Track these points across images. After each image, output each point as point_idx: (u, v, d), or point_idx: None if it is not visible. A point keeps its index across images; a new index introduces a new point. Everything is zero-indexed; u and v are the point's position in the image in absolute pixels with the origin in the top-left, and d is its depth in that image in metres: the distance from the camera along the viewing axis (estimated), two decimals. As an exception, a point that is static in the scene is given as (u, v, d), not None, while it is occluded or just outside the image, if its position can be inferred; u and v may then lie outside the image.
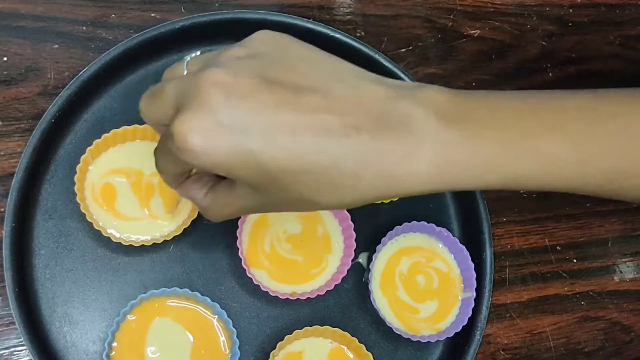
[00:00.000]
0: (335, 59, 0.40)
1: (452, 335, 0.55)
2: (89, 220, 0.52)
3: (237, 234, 0.54)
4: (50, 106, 0.54)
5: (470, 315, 0.56)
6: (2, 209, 0.53)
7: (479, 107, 0.38)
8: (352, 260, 0.56)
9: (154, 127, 0.40)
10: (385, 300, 0.56)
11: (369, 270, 0.56)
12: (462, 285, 0.58)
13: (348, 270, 0.56)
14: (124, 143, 0.55)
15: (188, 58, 0.40)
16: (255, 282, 0.53)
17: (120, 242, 0.53)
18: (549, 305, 0.61)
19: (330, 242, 0.57)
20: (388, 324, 0.54)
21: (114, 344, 0.51)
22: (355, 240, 0.56)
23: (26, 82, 0.57)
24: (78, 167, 0.53)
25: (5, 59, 0.57)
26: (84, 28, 0.59)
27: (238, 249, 0.54)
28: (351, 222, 0.56)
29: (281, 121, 0.35)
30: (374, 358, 0.54)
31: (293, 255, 0.56)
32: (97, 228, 0.52)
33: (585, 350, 0.61)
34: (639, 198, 0.41)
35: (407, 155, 0.36)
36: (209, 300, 0.53)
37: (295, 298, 0.54)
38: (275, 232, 0.56)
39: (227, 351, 0.53)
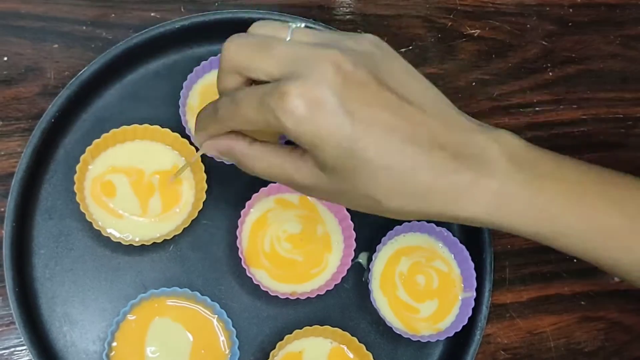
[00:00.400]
0: (428, 82, 0.43)
1: (452, 334, 0.55)
2: (89, 219, 0.52)
3: (237, 234, 0.54)
4: (50, 106, 0.54)
5: (470, 315, 0.56)
6: (2, 209, 0.53)
7: (546, 160, 0.42)
8: (352, 260, 0.56)
9: (233, 70, 0.40)
10: (385, 300, 0.56)
11: (369, 270, 0.56)
12: (462, 285, 0.57)
13: (348, 270, 0.55)
14: (124, 143, 0.55)
15: (293, 26, 0.41)
16: (255, 282, 0.53)
17: (120, 242, 0.53)
18: (549, 305, 0.61)
19: (330, 241, 0.57)
20: (388, 324, 0.54)
21: (114, 344, 0.51)
22: (355, 240, 0.56)
23: (26, 81, 0.57)
24: (78, 167, 0.53)
25: (5, 58, 0.57)
26: (84, 28, 0.59)
27: (238, 248, 0.54)
28: (351, 222, 0.56)
29: (383, 119, 0.38)
30: (374, 358, 0.54)
31: (293, 255, 0.56)
32: (96, 228, 0.52)
33: (586, 350, 0.61)
34: None
35: (475, 182, 0.40)
36: (208, 299, 0.53)
37: (295, 298, 0.54)
38: (275, 232, 0.56)
39: (227, 351, 0.53)
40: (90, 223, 0.52)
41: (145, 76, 0.58)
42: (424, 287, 0.57)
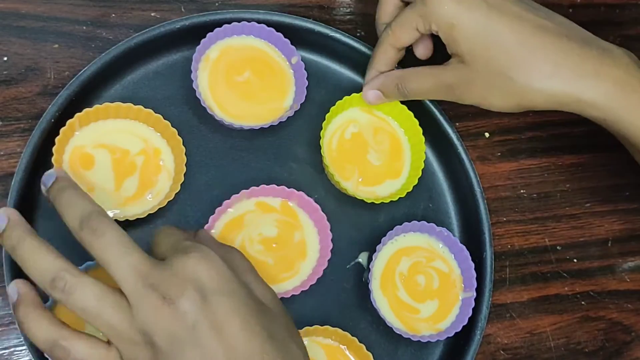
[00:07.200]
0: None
1: (452, 335, 0.55)
2: None
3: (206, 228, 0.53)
4: (50, 106, 0.54)
5: (470, 315, 0.56)
6: (2, 209, 0.53)
7: None
8: (352, 262, 0.56)
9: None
10: (385, 300, 0.56)
11: (369, 270, 0.56)
12: (463, 285, 0.58)
13: (348, 270, 0.55)
14: (116, 119, 0.55)
15: None
16: None
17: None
18: (549, 305, 0.61)
19: (306, 249, 0.56)
20: (388, 324, 0.54)
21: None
22: (332, 250, 0.55)
23: (26, 81, 0.57)
24: (62, 130, 0.52)
25: (5, 58, 0.57)
26: (84, 28, 0.59)
27: None
28: (330, 232, 0.55)
29: (515, 11, 0.49)
30: (374, 358, 0.54)
31: (263, 256, 0.55)
32: None
33: (586, 351, 0.61)
34: None
35: (599, 68, 0.48)
36: None
37: (289, 296, 0.53)
38: (249, 234, 0.55)
39: None
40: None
41: (146, 76, 0.58)
42: (425, 287, 0.57)
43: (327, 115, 0.58)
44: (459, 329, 0.55)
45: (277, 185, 0.56)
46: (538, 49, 0.48)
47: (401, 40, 0.54)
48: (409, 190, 0.58)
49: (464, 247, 0.57)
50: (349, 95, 0.59)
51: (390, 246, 0.57)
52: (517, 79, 0.48)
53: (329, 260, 0.56)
